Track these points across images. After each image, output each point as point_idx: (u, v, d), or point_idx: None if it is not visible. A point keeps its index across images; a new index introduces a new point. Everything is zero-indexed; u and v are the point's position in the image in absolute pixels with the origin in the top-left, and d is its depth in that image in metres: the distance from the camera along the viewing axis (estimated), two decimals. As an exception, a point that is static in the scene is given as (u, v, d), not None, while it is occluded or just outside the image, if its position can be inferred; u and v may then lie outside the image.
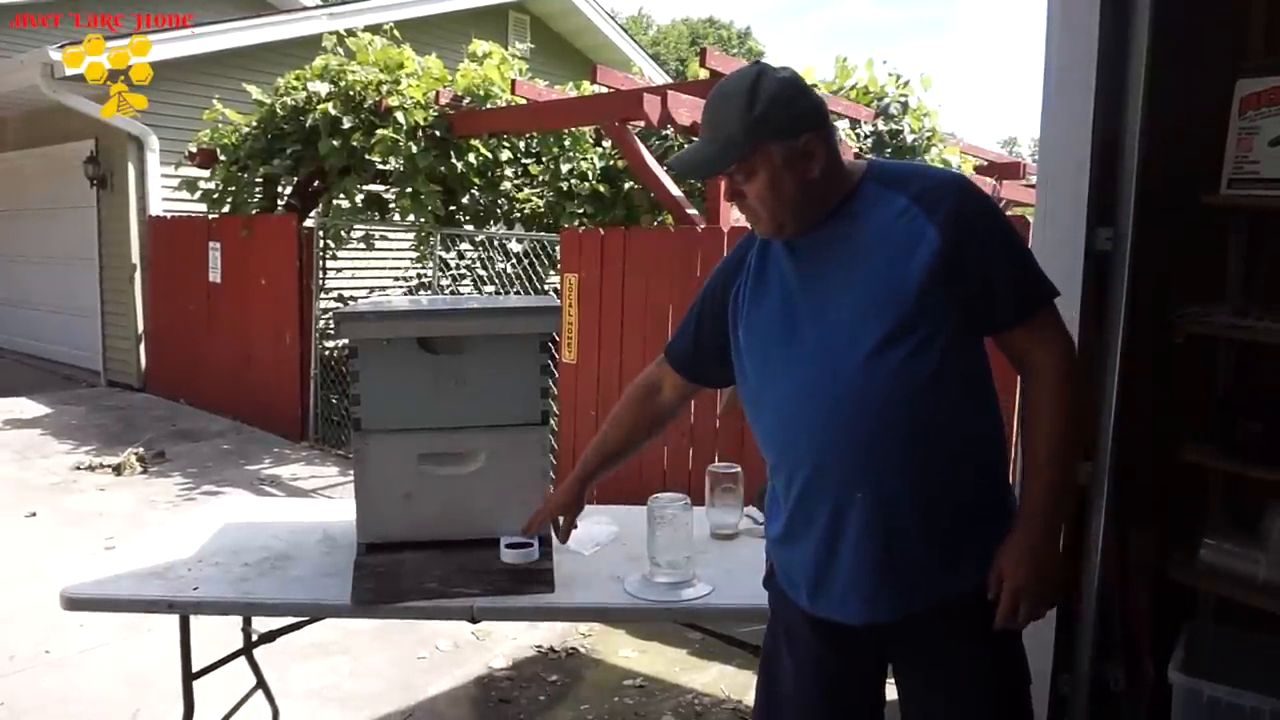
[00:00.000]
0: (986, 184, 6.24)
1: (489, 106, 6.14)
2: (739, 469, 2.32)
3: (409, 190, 5.84)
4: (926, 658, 1.47)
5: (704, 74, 5.11)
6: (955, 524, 1.40)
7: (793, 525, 1.47)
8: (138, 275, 7.97)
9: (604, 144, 6.31)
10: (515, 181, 6.57)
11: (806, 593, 1.48)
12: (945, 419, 1.37)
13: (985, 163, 7.06)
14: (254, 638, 2.50)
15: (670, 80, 10.77)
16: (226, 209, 6.90)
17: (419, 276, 7.87)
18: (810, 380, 1.39)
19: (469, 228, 6.52)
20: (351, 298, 6.83)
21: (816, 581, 1.46)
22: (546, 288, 5.80)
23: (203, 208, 7.19)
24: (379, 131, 5.72)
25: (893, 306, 1.34)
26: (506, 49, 6.74)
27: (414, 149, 5.79)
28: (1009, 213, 5.20)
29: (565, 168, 6.26)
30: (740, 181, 1.40)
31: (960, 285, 1.35)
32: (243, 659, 2.51)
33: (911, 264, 1.34)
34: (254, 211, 6.91)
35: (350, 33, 6.58)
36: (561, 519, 1.85)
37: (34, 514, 4.77)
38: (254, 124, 6.57)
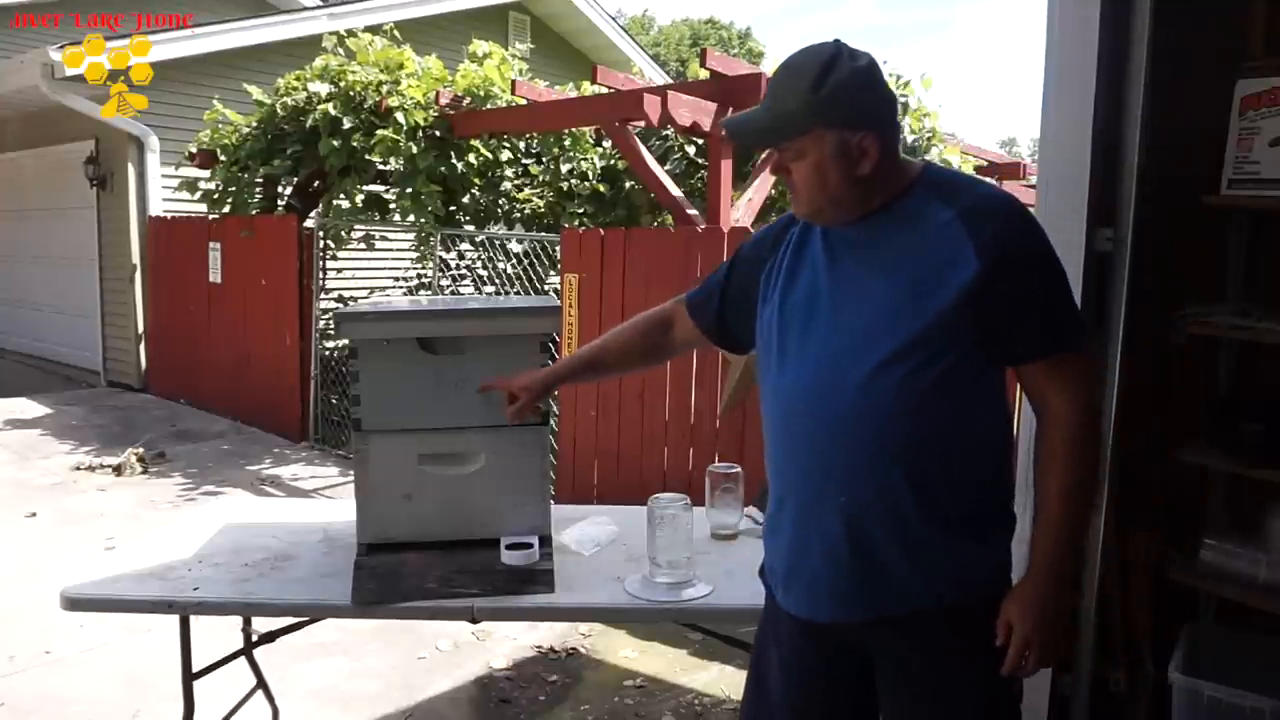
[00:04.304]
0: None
1: (489, 107, 6.14)
2: (739, 469, 2.32)
3: (409, 190, 5.84)
4: (907, 667, 1.43)
5: (704, 74, 5.11)
6: (932, 540, 1.37)
7: (778, 517, 1.48)
8: (138, 275, 7.97)
9: (604, 144, 6.31)
10: (515, 182, 6.58)
11: (780, 585, 1.49)
12: (940, 440, 1.35)
13: (985, 163, 7.05)
14: (254, 638, 2.50)
15: (670, 80, 10.75)
16: (227, 209, 6.90)
17: (419, 277, 7.88)
18: (812, 379, 1.39)
19: (469, 228, 6.52)
20: (352, 298, 6.83)
21: (788, 574, 1.47)
22: (547, 288, 5.80)
23: (203, 208, 7.19)
24: (379, 132, 5.72)
25: (912, 320, 1.32)
26: (507, 49, 6.73)
27: (414, 149, 5.79)
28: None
29: (565, 168, 6.26)
30: (788, 158, 1.38)
31: (987, 310, 1.31)
32: (243, 659, 2.51)
33: (943, 282, 1.31)
34: (254, 212, 6.91)
35: (350, 33, 6.58)
36: (521, 396, 1.88)
37: (34, 514, 4.77)
38: (254, 124, 6.56)
